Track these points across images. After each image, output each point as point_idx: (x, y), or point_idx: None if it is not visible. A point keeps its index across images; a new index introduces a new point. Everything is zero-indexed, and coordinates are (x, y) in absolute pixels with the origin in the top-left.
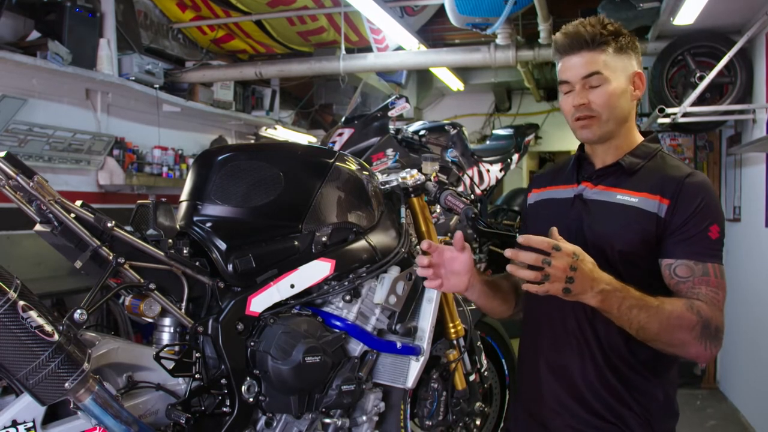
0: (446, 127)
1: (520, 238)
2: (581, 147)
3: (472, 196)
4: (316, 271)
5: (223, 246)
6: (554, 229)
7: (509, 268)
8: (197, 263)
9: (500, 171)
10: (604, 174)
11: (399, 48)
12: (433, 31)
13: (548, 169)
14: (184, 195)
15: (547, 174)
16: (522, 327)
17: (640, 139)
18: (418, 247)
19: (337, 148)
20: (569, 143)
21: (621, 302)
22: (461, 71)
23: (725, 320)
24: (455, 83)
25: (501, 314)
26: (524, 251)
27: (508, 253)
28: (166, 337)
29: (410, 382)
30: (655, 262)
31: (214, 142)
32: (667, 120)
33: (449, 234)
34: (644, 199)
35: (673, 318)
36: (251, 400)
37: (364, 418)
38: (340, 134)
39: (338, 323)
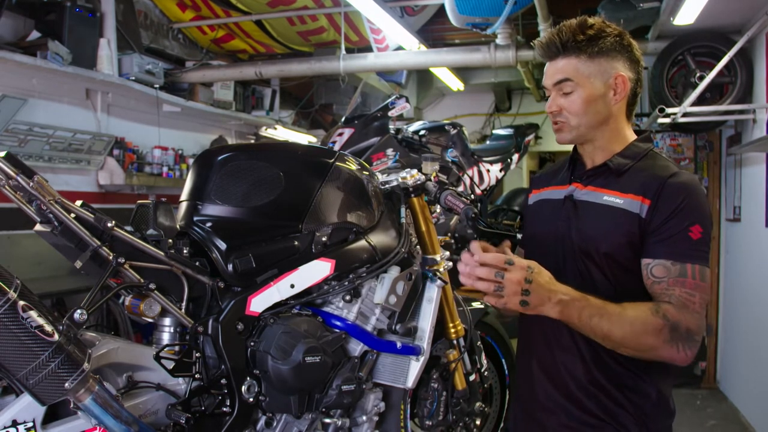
0: (446, 127)
1: (476, 256)
2: (575, 147)
3: (472, 196)
4: (316, 271)
5: (223, 246)
6: (507, 242)
7: (462, 279)
8: (197, 263)
9: (500, 171)
10: (594, 174)
11: (399, 48)
12: (433, 31)
13: (547, 170)
14: (184, 195)
15: (545, 174)
16: (518, 328)
17: (632, 138)
18: (417, 247)
19: (337, 148)
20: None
21: (581, 312)
22: (461, 71)
23: (724, 320)
24: (455, 83)
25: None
26: (480, 267)
27: (465, 270)
28: (166, 337)
29: (410, 382)
30: (640, 264)
31: (214, 142)
32: (667, 120)
33: (449, 234)
34: (629, 200)
35: (637, 324)
36: (251, 400)
37: (364, 418)
38: (340, 134)
39: (338, 323)
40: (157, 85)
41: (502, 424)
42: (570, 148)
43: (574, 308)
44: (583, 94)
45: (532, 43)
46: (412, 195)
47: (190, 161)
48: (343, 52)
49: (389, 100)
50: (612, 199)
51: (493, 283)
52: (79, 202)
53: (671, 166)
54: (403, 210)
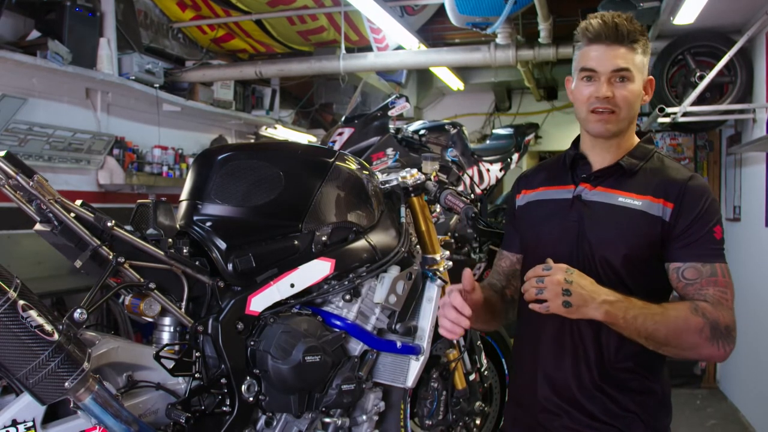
0: (446, 127)
1: (529, 273)
2: (575, 146)
3: (472, 196)
4: (316, 270)
5: (223, 245)
6: (549, 261)
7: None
8: (197, 263)
9: (500, 170)
10: (603, 175)
11: (399, 47)
12: (433, 30)
13: (536, 170)
14: (184, 194)
15: (536, 174)
16: (518, 328)
17: (636, 140)
18: (417, 246)
19: (337, 147)
20: (569, 143)
21: (625, 312)
22: (461, 71)
23: None
24: (455, 83)
25: (488, 328)
26: (527, 283)
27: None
28: (166, 337)
29: (410, 381)
30: (658, 265)
31: (214, 142)
32: (667, 119)
33: (449, 233)
34: (648, 202)
35: (679, 322)
36: (251, 399)
37: (364, 417)
38: (340, 134)
39: (338, 322)
40: (157, 85)
41: (501, 424)
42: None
43: (619, 308)
44: (633, 87)
45: (586, 21)
46: (412, 194)
47: (190, 161)
48: (343, 51)
49: (389, 99)
50: (628, 200)
51: (534, 288)
52: (78, 202)
53: (682, 169)
54: (403, 209)
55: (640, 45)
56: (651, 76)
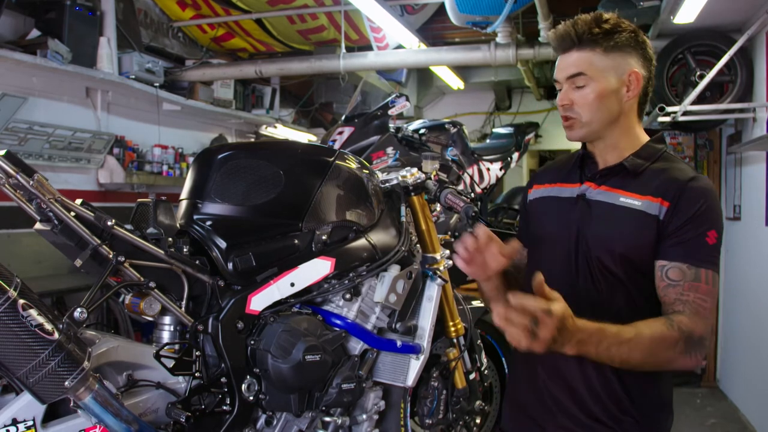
0: (446, 126)
1: (513, 300)
2: (584, 145)
3: (473, 195)
4: (316, 269)
5: (223, 244)
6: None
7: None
8: (197, 262)
9: (500, 169)
10: (608, 174)
11: (399, 46)
12: (434, 29)
13: (550, 166)
14: (184, 193)
15: (549, 171)
16: None
17: (645, 138)
18: (417, 246)
19: (337, 146)
20: (569, 142)
21: (597, 346)
22: (461, 70)
23: (724, 319)
24: (455, 82)
25: None
26: (516, 312)
27: (498, 314)
28: (166, 336)
29: (410, 380)
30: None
31: (214, 141)
32: (667, 118)
33: (449, 233)
34: (648, 202)
35: (655, 342)
36: (251, 398)
37: (364, 416)
38: (340, 133)
39: (338, 322)
40: (157, 84)
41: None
42: (576, 145)
43: (591, 344)
44: (597, 89)
45: (546, 34)
46: (412, 193)
47: (190, 160)
48: (343, 50)
49: (389, 98)
50: (629, 200)
51: (527, 331)
52: (79, 201)
53: (689, 170)
54: (403, 208)
55: (600, 44)
56: (636, 69)
